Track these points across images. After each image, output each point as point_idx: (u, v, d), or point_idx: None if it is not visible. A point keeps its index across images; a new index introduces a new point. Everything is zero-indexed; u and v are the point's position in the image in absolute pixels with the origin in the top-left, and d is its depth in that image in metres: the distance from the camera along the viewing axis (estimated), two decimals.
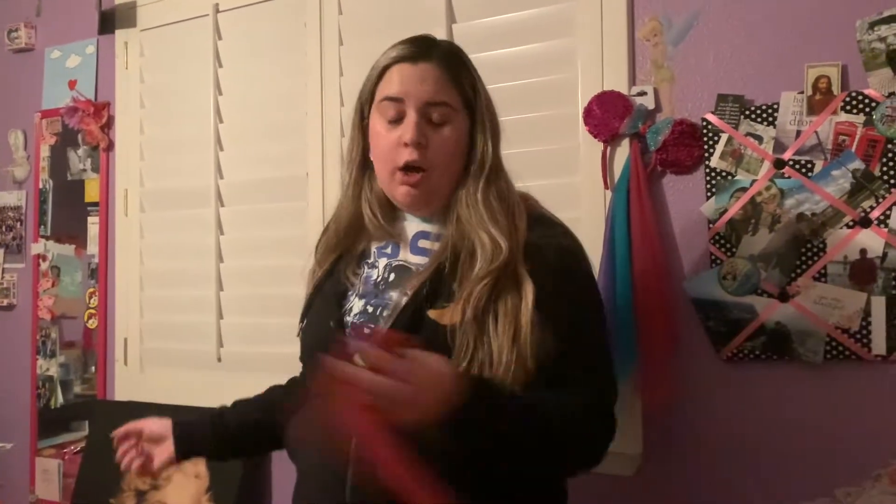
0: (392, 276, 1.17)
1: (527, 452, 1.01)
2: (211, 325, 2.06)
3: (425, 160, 1.12)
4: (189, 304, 2.12)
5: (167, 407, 2.03)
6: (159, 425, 1.36)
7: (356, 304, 1.17)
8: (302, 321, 1.27)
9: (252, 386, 1.96)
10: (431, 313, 1.07)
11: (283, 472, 1.91)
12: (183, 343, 2.13)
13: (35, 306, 2.41)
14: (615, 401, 1.12)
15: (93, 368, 2.29)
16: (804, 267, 1.40)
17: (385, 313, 1.12)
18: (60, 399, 2.35)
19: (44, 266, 2.40)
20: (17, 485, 2.40)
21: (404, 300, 1.11)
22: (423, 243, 1.19)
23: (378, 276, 1.18)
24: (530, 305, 1.04)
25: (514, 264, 1.07)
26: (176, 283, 2.16)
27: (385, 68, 1.16)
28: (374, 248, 1.22)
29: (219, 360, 2.05)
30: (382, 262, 1.19)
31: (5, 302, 2.49)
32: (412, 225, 1.20)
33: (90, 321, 2.30)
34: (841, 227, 1.38)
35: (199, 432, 1.36)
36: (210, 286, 2.06)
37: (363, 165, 1.22)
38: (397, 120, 1.13)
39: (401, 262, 1.18)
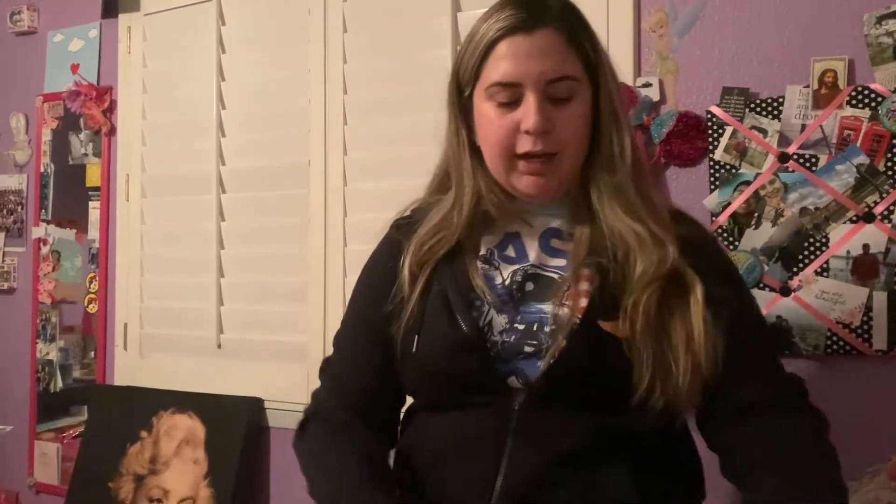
0: (530, 285, 1.02)
1: None
2: (211, 311, 2.06)
3: (551, 144, 0.97)
4: (189, 291, 2.12)
5: (166, 392, 2.05)
6: None
7: (497, 320, 1.00)
8: (413, 333, 1.04)
9: (251, 373, 1.99)
10: (605, 325, 0.96)
11: (281, 458, 1.91)
12: (183, 329, 2.13)
13: (35, 290, 2.40)
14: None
15: (92, 353, 2.29)
16: (806, 261, 1.40)
17: (547, 329, 0.98)
18: (60, 383, 2.35)
19: (44, 250, 2.40)
20: (16, 468, 2.40)
21: (564, 312, 0.97)
22: (555, 243, 1.05)
23: (508, 283, 1.03)
24: (701, 305, 0.96)
25: (677, 262, 0.97)
26: (176, 269, 2.16)
27: (493, 42, 0.97)
28: (488, 248, 1.06)
29: (219, 346, 2.05)
30: (507, 266, 1.04)
31: (5, 286, 2.48)
32: (537, 220, 1.06)
33: (90, 306, 2.30)
34: (844, 222, 1.37)
35: None
36: (211, 272, 2.06)
37: (473, 149, 1.05)
38: (511, 103, 0.98)
39: (536, 269, 1.03)
